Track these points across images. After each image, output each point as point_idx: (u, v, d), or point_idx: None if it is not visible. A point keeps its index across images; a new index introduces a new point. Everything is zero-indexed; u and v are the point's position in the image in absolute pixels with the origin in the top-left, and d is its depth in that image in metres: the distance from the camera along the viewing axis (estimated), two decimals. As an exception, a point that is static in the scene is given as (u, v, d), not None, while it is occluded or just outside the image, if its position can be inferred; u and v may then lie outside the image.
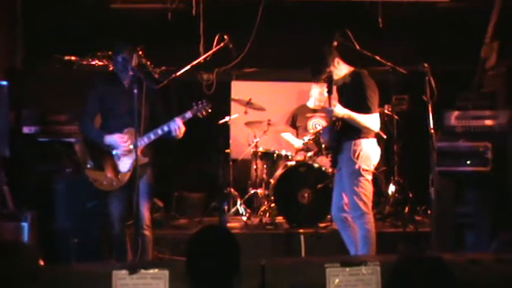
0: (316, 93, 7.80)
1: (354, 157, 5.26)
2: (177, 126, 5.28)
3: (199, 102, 5.41)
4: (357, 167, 5.25)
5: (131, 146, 5.21)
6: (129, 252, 5.38)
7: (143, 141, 5.27)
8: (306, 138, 7.01)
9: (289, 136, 7.83)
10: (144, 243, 5.29)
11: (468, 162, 5.86)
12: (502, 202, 5.79)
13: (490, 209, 5.85)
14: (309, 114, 7.83)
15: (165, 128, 5.28)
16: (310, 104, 7.91)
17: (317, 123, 7.72)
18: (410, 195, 7.14)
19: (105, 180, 5.26)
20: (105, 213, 5.38)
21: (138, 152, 5.16)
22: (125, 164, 5.30)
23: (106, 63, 6.97)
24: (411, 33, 7.84)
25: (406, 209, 7.11)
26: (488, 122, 5.99)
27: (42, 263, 4.76)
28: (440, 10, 7.89)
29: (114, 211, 5.35)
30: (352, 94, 5.33)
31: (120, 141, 5.27)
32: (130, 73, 5.23)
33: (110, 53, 6.90)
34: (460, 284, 3.55)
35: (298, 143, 7.54)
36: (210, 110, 5.45)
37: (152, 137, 5.30)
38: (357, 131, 5.28)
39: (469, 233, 5.91)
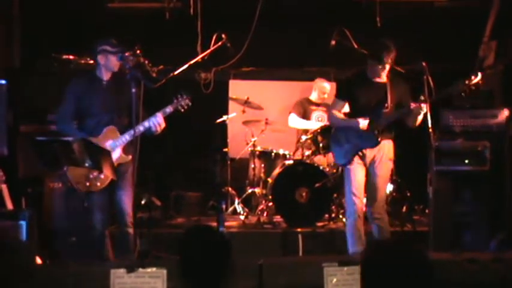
0: (319, 87, 7.78)
1: (392, 156, 5.33)
2: (158, 122, 5.22)
3: (179, 96, 5.37)
4: (391, 167, 5.29)
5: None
6: (110, 252, 5.32)
7: (124, 138, 5.23)
8: (304, 138, 7.00)
9: (296, 119, 7.69)
10: (128, 241, 5.25)
11: (466, 161, 5.86)
12: (500, 201, 5.80)
13: (488, 208, 5.85)
14: (312, 107, 7.78)
15: (146, 124, 5.20)
16: (313, 97, 7.87)
17: (320, 116, 7.69)
18: (408, 194, 7.13)
19: (88, 181, 5.13)
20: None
21: (121, 151, 5.20)
22: None
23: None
24: (409, 33, 7.83)
25: (404, 208, 7.10)
26: (486, 121, 5.99)
27: (39, 261, 4.76)
28: (438, 9, 7.89)
29: (96, 212, 5.24)
30: (404, 94, 5.38)
31: None
32: (115, 70, 5.27)
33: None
34: (458, 283, 3.56)
35: (308, 124, 7.47)
36: (190, 104, 5.39)
37: (133, 133, 5.20)
38: (394, 132, 5.31)
39: (466, 232, 5.92)
